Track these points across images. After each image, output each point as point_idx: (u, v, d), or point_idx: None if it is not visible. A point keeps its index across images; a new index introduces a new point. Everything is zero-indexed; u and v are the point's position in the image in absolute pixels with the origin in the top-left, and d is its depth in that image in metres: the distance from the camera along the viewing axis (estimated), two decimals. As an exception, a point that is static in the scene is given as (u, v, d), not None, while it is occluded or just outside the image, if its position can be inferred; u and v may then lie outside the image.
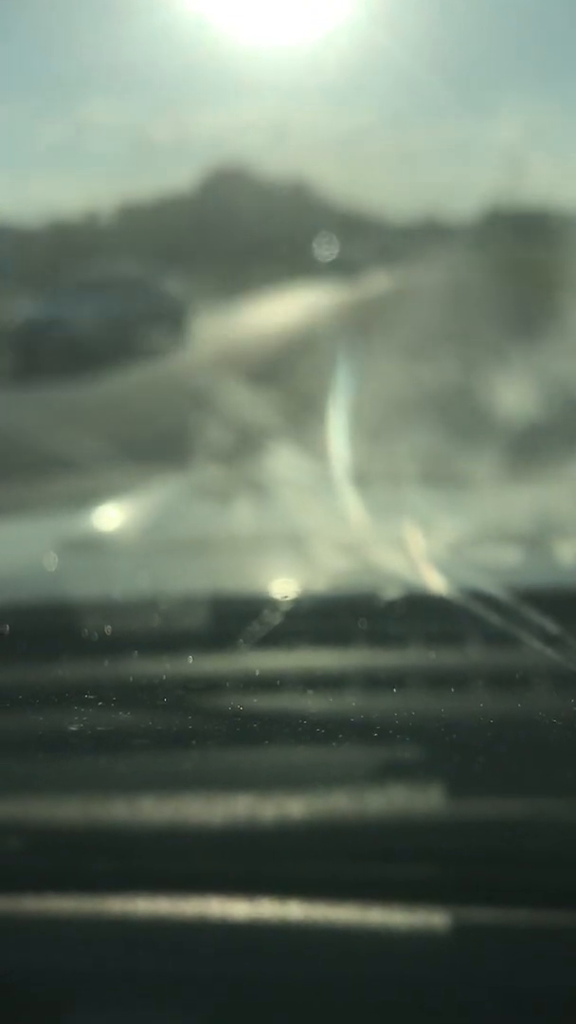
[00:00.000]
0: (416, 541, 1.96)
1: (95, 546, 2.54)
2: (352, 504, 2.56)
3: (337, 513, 2.50)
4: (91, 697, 1.36)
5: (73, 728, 1.29)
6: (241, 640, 1.54)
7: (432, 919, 0.99)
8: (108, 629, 1.62)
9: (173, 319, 18.26)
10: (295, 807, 1.08)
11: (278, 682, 1.46)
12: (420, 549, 1.89)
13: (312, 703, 1.41)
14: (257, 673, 1.48)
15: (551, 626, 1.47)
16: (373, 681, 1.46)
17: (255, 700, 1.41)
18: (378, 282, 27.23)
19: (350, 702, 1.43)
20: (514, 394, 7.95)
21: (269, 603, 1.65)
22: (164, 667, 1.51)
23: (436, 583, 1.68)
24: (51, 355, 15.19)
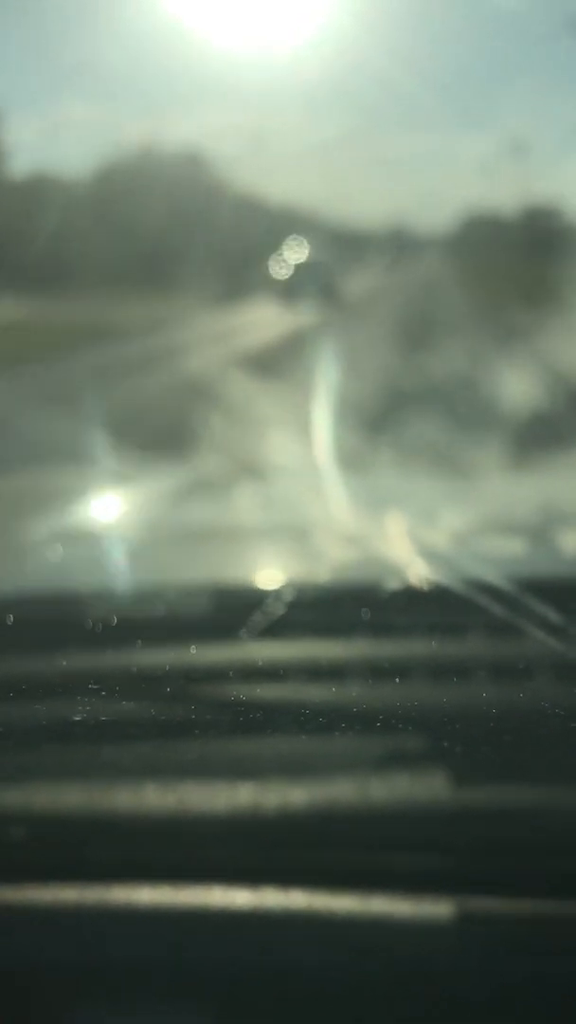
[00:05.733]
0: (402, 531, 1.96)
1: (98, 536, 2.55)
2: (350, 494, 2.56)
3: (337, 502, 2.50)
4: (94, 687, 1.36)
5: (76, 718, 1.29)
6: (244, 630, 1.55)
7: (435, 908, 0.99)
8: (111, 619, 1.63)
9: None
10: (298, 796, 1.09)
11: (281, 672, 1.47)
12: (406, 539, 1.89)
13: (315, 693, 1.42)
14: (259, 663, 1.49)
15: (553, 616, 1.47)
16: (376, 671, 1.46)
17: (258, 690, 1.41)
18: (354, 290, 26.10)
19: (352, 692, 1.43)
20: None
21: (271, 593, 1.65)
22: (167, 657, 1.51)
23: (429, 573, 1.68)
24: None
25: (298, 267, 25.80)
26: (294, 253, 27.50)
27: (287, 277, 25.14)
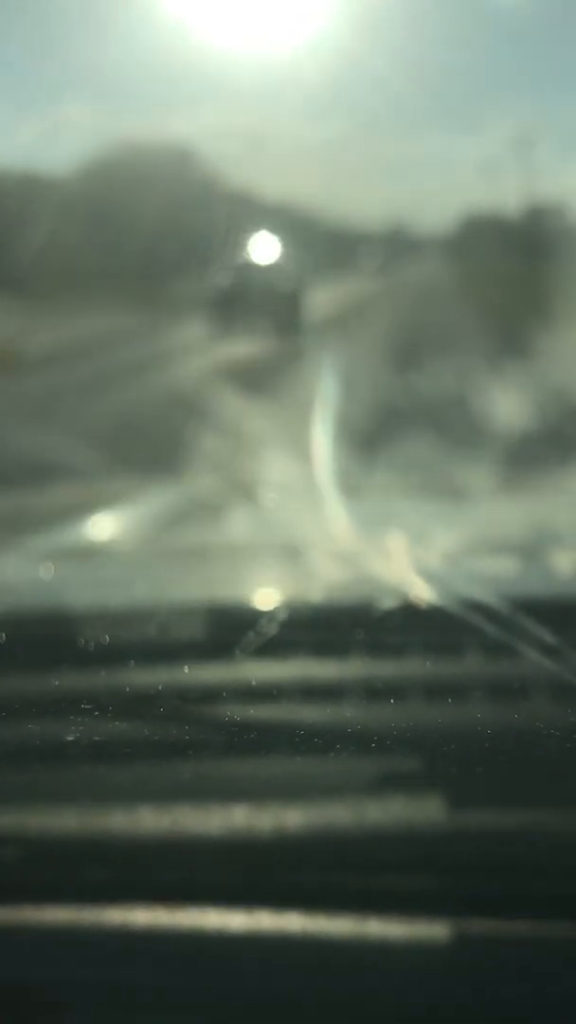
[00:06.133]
0: (403, 551, 1.96)
1: (93, 555, 2.54)
2: (346, 514, 2.56)
3: (332, 523, 2.50)
4: (88, 707, 1.36)
5: (70, 738, 1.29)
6: (238, 650, 1.54)
7: (430, 930, 0.98)
8: (105, 639, 1.62)
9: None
10: (293, 817, 1.08)
11: (275, 692, 1.46)
12: (407, 559, 1.89)
13: (310, 713, 1.41)
14: (254, 683, 1.48)
15: (548, 637, 1.47)
16: (371, 691, 1.46)
17: (252, 710, 1.41)
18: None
19: (348, 712, 1.43)
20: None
21: (266, 613, 1.65)
22: (161, 677, 1.51)
23: (424, 593, 1.68)
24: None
25: (247, 270, 18.19)
26: (253, 251, 19.61)
27: (227, 286, 17.29)
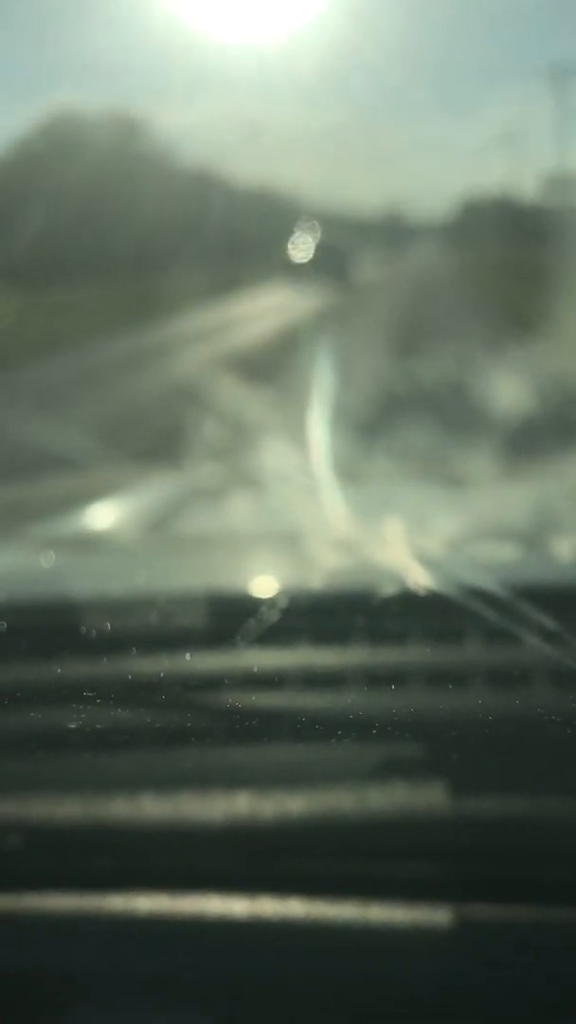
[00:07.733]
0: (401, 537, 1.95)
1: (93, 544, 2.54)
2: (346, 501, 2.56)
3: (332, 509, 2.50)
4: (90, 695, 1.36)
5: (72, 726, 1.29)
6: (239, 637, 1.54)
7: (433, 916, 0.99)
8: (106, 627, 1.62)
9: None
10: (295, 804, 1.08)
11: (277, 679, 1.46)
12: (406, 546, 1.89)
13: (311, 700, 1.41)
14: (256, 670, 1.48)
15: (549, 622, 1.47)
16: (372, 678, 1.46)
17: (254, 697, 1.41)
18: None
19: (349, 699, 1.43)
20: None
21: (267, 600, 1.65)
22: (162, 665, 1.51)
23: (424, 580, 1.68)
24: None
25: None
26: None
27: None
